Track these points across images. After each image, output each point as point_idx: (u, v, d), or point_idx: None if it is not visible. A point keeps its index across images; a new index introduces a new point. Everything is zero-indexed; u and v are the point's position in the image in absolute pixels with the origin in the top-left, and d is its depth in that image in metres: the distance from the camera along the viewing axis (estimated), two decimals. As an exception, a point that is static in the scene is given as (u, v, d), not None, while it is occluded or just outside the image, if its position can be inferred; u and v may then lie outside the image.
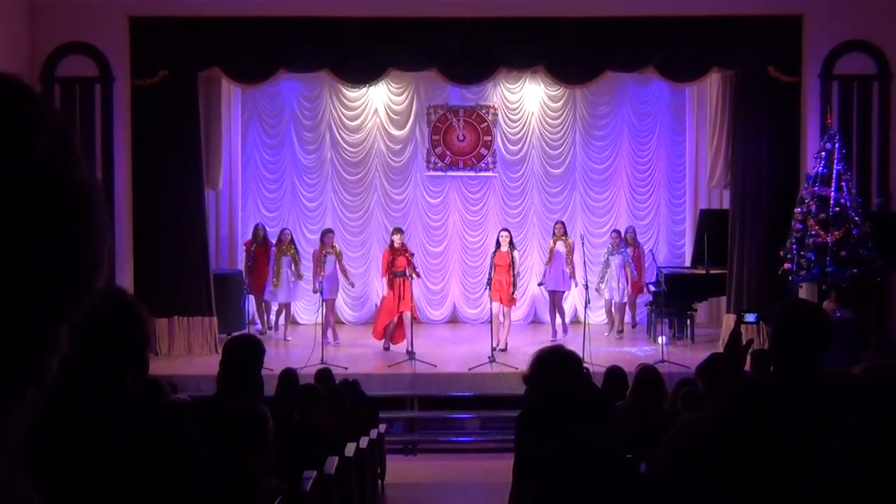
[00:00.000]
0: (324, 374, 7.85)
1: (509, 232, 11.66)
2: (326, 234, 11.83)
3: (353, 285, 12.53)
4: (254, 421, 3.14)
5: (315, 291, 11.82)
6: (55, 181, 0.77)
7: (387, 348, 11.45)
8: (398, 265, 11.16)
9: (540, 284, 12.42)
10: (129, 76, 11.19)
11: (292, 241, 12.30)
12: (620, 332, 12.42)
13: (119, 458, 2.00)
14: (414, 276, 11.35)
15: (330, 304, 11.91)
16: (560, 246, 12.03)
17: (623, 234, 12.54)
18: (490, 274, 11.26)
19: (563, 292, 12.26)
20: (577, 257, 12.03)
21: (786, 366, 2.97)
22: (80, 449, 1.98)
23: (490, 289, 11.22)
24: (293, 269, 12.15)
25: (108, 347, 2.07)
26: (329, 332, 11.69)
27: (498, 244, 11.51)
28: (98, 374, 2.07)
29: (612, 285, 12.19)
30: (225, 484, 2.55)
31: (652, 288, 12.27)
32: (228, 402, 3.43)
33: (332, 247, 11.74)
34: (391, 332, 11.48)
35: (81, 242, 0.78)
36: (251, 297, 12.26)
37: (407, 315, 11.15)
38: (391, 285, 11.22)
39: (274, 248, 12.19)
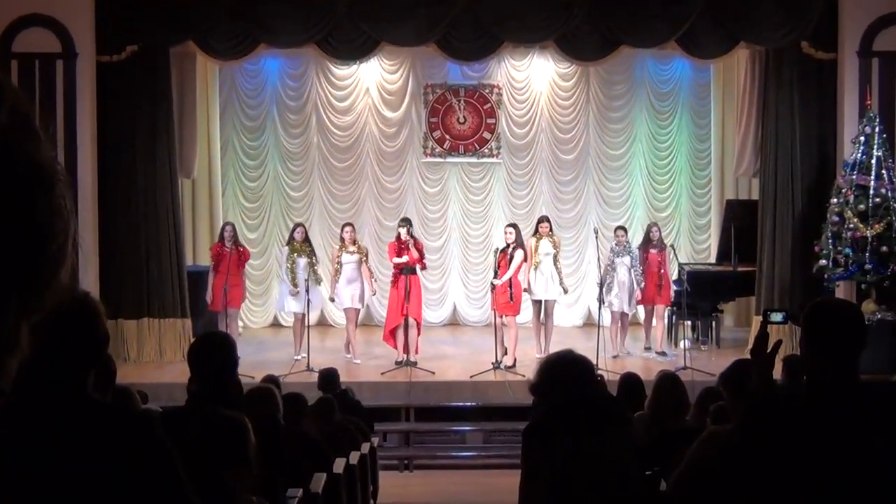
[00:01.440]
0: (328, 378, 7.85)
1: (514, 228, 11.11)
2: (344, 229, 11.38)
3: (374, 293, 11.74)
4: (233, 432, 3.15)
5: (331, 299, 11.51)
6: (15, 162, 0.76)
7: (402, 362, 10.83)
8: (406, 260, 10.93)
9: (526, 291, 11.39)
10: (93, 52, 11.18)
11: (307, 240, 11.49)
12: (617, 354, 11.39)
13: (83, 470, 2.00)
14: (420, 268, 11.28)
15: (350, 316, 11.32)
16: (546, 245, 11.27)
17: (647, 232, 11.78)
18: (496, 275, 10.86)
19: (555, 301, 11.58)
20: (590, 254, 11.95)
21: (816, 373, 2.97)
22: (41, 460, 1.99)
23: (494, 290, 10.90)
24: (310, 272, 11.17)
25: (64, 347, 2.08)
26: (350, 348, 11.28)
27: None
28: (57, 376, 2.08)
29: (622, 296, 11.30)
30: (201, 502, 2.56)
31: (675, 288, 11.77)
32: (202, 412, 3.43)
33: (354, 244, 11.26)
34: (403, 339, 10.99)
35: (44, 230, 0.77)
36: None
37: (412, 322, 11.02)
38: (396, 283, 11.04)
39: (286, 248, 11.43)
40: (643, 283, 11.38)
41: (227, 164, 14.03)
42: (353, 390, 8.48)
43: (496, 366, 10.70)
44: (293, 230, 11.49)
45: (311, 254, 11.31)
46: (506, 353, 10.86)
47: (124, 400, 4.50)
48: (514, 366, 10.79)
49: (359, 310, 11.53)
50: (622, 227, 11.82)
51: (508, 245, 10.92)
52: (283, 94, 14.09)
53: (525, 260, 10.97)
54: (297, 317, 11.23)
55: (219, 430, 3.16)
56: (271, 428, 4.34)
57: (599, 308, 10.91)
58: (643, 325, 12.01)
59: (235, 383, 3.81)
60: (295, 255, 11.15)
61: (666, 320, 11.98)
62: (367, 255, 11.38)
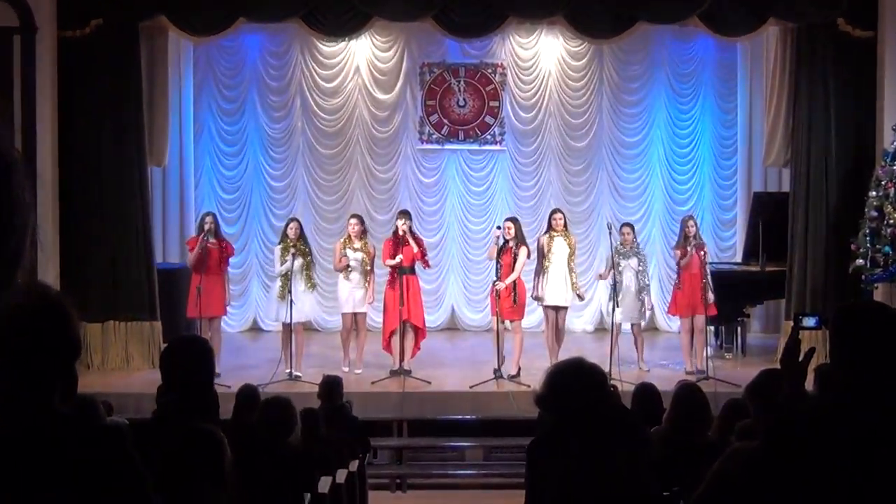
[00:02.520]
0: (330, 387, 7.81)
1: (513, 223, 11.00)
2: (350, 221, 11.24)
3: (371, 301, 11.36)
4: (206, 448, 3.15)
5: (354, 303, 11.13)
6: None
7: (396, 371, 10.84)
8: (403, 259, 10.87)
9: (536, 299, 11.28)
10: (55, 26, 11.18)
11: (303, 237, 11.17)
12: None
13: (45, 489, 2.01)
14: (423, 265, 11.23)
15: (347, 322, 11.16)
16: (560, 245, 11.08)
17: (682, 227, 11.11)
18: (498, 275, 10.76)
19: (567, 309, 11.33)
20: (602, 253, 11.82)
21: (848, 384, 2.97)
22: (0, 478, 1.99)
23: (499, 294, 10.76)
24: (305, 275, 10.96)
25: (30, 356, 2.08)
26: (346, 358, 11.09)
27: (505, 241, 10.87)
28: (20, 388, 2.08)
29: (628, 305, 11.00)
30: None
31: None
32: (174, 426, 3.43)
33: (361, 240, 11.09)
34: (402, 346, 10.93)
35: (1, 224, 0.77)
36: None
37: (409, 327, 10.99)
38: (392, 283, 10.97)
39: (278, 248, 11.13)
40: (647, 286, 11.12)
41: (201, 151, 14.02)
42: (351, 402, 8.46)
43: (498, 375, 10.69)
44: (286, 226, 11.17)
45: (308, 254, 11.07)
46: (502, 362, 10.80)
47: (88, 411, 4.50)
48: (518, 375, 10.80)
49: (357, 315, 11.19)
50: (628, 224, 11.49)
51: (508, 242, 10.79)
52: (265, 74, 14.08)
53: (528, 257, 10.94)
54: (286, 326, 10.86)
55: (192, 444, 3.16)
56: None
57: (612, 311, 10.87)
58: (681, 342, 11.41)
59: (211, 394, 3.80)
60: (288, 254, 10.81)
61: (709, 336, 11.35)
62: (371, 257, 11.10)
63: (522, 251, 10.85)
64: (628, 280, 10.98)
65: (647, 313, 11.45)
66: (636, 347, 11.32)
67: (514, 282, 10.79)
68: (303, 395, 8.26)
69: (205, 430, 3.21)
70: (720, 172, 14.32)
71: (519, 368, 10.87)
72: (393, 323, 10.96)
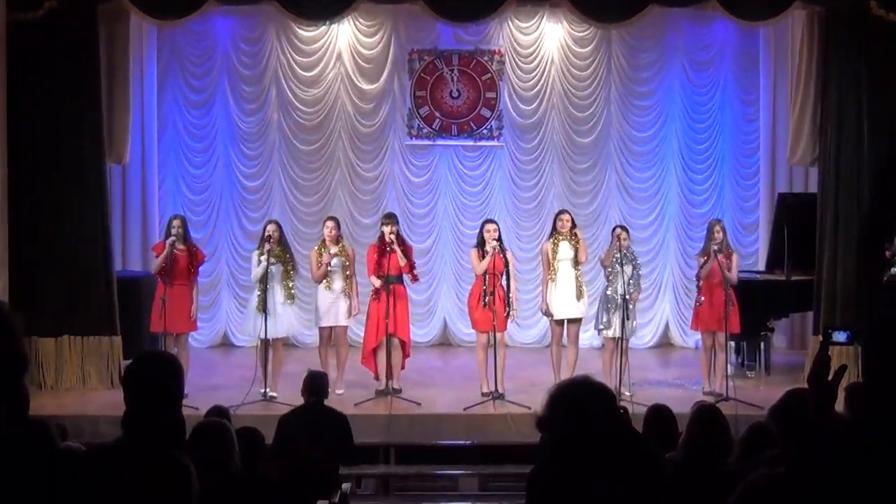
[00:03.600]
0: (316, 382, 7.92)
1: (497, 225, 11.04)
2: (325, 224, 11.20)
3: (356, 312, 11.31)
4: (173, 477, 3.15)
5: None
6: None
7: (382, 391, 10.85)
8: (390, 267, 10.84)
9: (546, 315, 11.24)
10: (4, 7, 11.16)
11: (283, 241, 11.09)
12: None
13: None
14: (411, 279, 11.22)
15: (327, 336, 11.15)
16: (566, 249, 11.08)
17: (709, 232, 10.94)
18: (487, 287, 10.75)
19: (580, 320, 11.27)
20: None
21: (883, 404, 2.97)
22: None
23: (487, 307, 10.75)
24: (284, 285, 10.94)
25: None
26: (332, 374, 10.65)
27: (481, 242, 10.88)
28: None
29: (619, 314, 10.81)
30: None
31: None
32: (137, 452, 3.43)
33: (338, 244, 11.08)
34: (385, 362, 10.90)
35: None
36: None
37: (396, 342, 10.98)
38: (377, 294, 10.94)
39: (254, 253, 11.05)
40: (633, 302, 10.89)
41: (166, 147, 14.02)
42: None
43: (495, 395, 10.69)
44: (264, 228, 11.07)
45: (289, 261, 11.01)
46: (500, 380, 10.79)
47: (40, 435, 4.49)
48: (501, 396, 10.74)
49: (336, 328, 11.16)
50: (622, 227, 11.29)
51: (493, 247, 10.72)
52: (237, 62, 14.09)
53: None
54: (263, 342, 10.77)
55: (156, 473, 3.16)
56: (223, 474, 4.34)
57: (623, 326, 10.82)
58: (701, 360, 11.28)
59: (178, 418, 3.79)
60: (265, 261, 10.69)
61: (729, 353, 11.23)
62: (352, 261, 11.17)
63: (510, 256, 11.03)
64: (621, 289, 10.78)
65: (634, 326, 11.12)
66: (610, 368, 10.87)
67: (508, 288, 10.81)
68: (270, 419, 8.27)
69: (171, 458, 3.21)
70: (741, 171, 14.35)
71: (502, 388, 10.79)
72: (376, 337, 10.95)
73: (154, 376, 3.61)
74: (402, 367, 11.28)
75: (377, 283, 10.87)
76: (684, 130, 14.29)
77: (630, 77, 14.24)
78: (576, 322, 11.18)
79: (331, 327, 11.15)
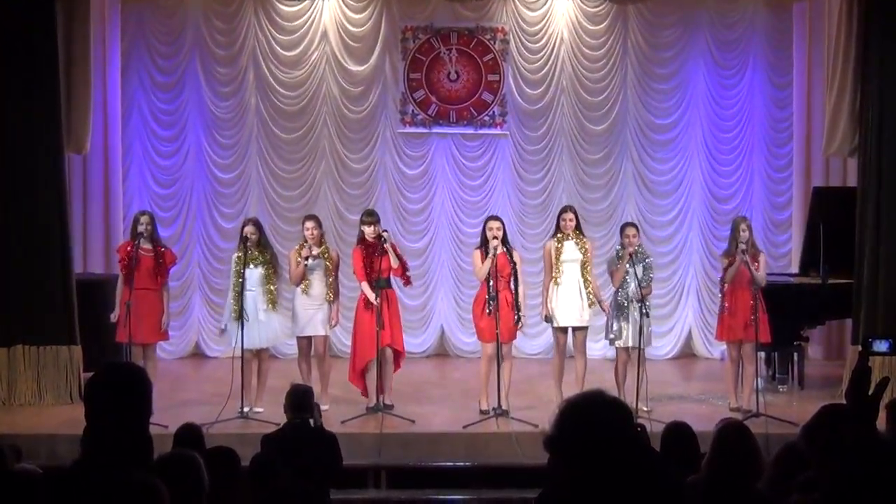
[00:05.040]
0: (300, 397, 7.86)
1: (501, 223, 10.94)
2: (305, 223, 11.12)
3: (335, 323, 11.29)
4: (138, 501, 3.15)
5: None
6: None
7: (373, 408, 10.74)
8: (381, 270, 10.78)
9: (548, 321, 11.21)
10: (-50, -20, 11.19)
11: (263, 241, 11.09)
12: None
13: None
14: (404, 282, 11.16)
15: (305, 346, 11.13)
16: (571, 250, 11.02)
17: (734, 230, 10.93)
18: (491, 292, 10.67)
19: (587, 329, 11.20)
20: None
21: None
22: None
23: (492, 313, 10.64)
24: (265, 290, 10.92)
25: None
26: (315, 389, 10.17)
27: (484, 243, 10.80)
28: None
29: (634, 318, 10.77)
30: None
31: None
32: (99, 474, 3.43)
33: (320, 247, 11.02)
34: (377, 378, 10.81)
35: None
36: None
37: (389, 353, 10.95)
38: (367, 302, 10.82)
39: (235, 256, 11.02)
40: (647, 307, 10.79)
41: (130, 135, 14.04)
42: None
43: (497, 412, 10.68)
44: (243, 228, 11.04)
45: (269, 263, 10.99)
46: (505, 396, 10.76)
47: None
48: (506, 413, 10.69)
49: (316, 338, 11.12)
50: (632, 224, 11.27)
51: (495, 248, 10.68)
52: (209, 40, 14.11)
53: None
54: (243, 353, 10.61)
55: (121, 498, 3.16)
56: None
57: (640, 332, 10.82)
58: (727, 373, 11.29)
59: (144, 436, 3.79)
60: (243, 264, 10.69)
61: (759, 365, 11.19)
62: (335, 265, 11.11)
63: (517, 255, 10.95)
64: (632, 294, 10.78)
65: (649, 334, 11.06)
66: (622, 380, 10.86)
67: (517, 294, 10.79)
68: (257, 439, 8.24)
69: (143, 483, 3.21)
70: (772, 163, 14.38)
71: (507, 403, 10.77)
72: (369, 352, 10.82)
73: (118, 390, 3.61)
74: (396, 370, 11.25)
75: (371, 295, 10.74)
76: (709, 117, 14.31)
77: (648, 57, 14.26)
78: (582, 330, 11.13)
79: (309, 337, 11.14)
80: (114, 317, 10.71)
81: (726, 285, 10.93)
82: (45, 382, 11.44)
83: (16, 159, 11.38)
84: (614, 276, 10.95)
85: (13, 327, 11.38)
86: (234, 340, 10.73)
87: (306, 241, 11.02)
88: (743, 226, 10.92)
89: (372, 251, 10.86)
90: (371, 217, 11.05)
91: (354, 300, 11.23)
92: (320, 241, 11.07)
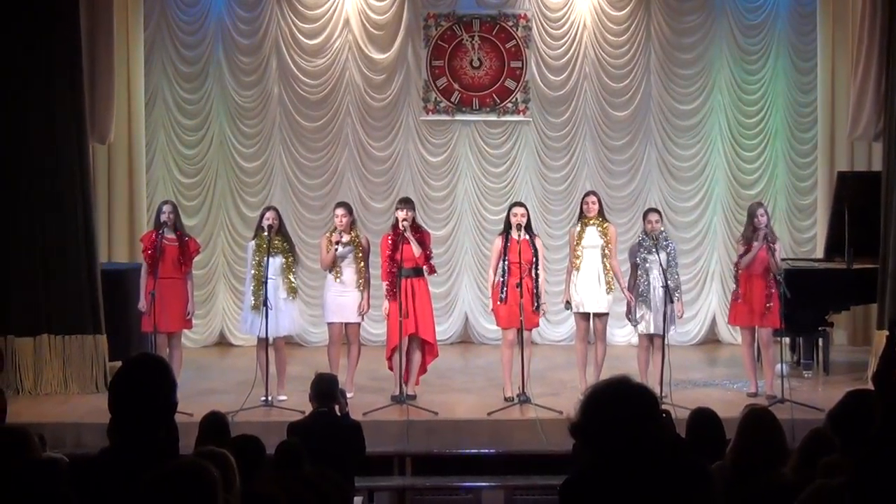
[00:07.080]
0: (325, 384, 7.82)
1: (526, 209, 10.95)
2: (335, 210, 11.08)
3: (366, 311, 11.22)
4: (195, 491, 3.15)
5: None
6: None
7: (396, 397, 10.74)
8: (404, 258, 10.76)
9: (567, 307, 11.22)
10: (-28, -30, 11.22)
11: (283, 231, 11.07)
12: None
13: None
14: (427, 270, 11.05)
15: (336, 333, 11.08)
16: (592, 236, 11.01)
17: (750, 216, 10.85)
18: (503, 277, 10.74)
19: (607, 316, 11.25)
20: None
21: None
22: None
23: (504, 302, 10.74)
24: (286, 279, 10.91)
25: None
26: (342, 376, 10.15)
27: (507, 228, 10.85)
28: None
29: (656, 305, 10.70)
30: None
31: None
32: (125, 464, 3.44)
33: (350, 233, 10.98)
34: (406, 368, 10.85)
35: None
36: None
37: (416, 342, 10.94)
38: (392, 292, 10.78)
39: (251, 243, 11.04)
40: (678, 293, 10.78)
41: (154, 125, 14.05)
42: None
43: (522, 399, 10.67)
44: (262, 216, 11.03)
45: (289, 251, 10.98)
46: (527, 382, 10.75)
47: (18, 445, 4.52)
48: (527, 401, 10.68)
49: (348, 325, 11.09)
50: (655, 210, 11.20)
51: (518, 233, 10.71)
52: (232, 29, 14.11)
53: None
54: (262, 342, 10.75)
55: (177, 483, 3.17)
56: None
57: (664, 321, 10.79)
58: (744, 358, 11.18)
59: (169, 427, 3.81)
60: (262, 253, 10.71)
61: (775, 349, 11.02)
62: (366, 252, 11.09)
63: (539, 242, 10.94)
64: (654, 280, 10.74)
65: (675, 321, 11.04)
66: (656, 367, 10.66)
67: (537, 281, 10.78)
68: (282, 427, 8.25)
69: (194, 465, 3.21)
70: (796, 148, 14.31)
71: (526, 391, 10.75)
72: (392, 340, 10.84)
73: (143, 383, 3.63)
74: (424, 371, 11.24)
75: (389, 284, 10.76)
76: (732, 102, 14.25)
77: (672, 43, 14.21)
78: (602, 317, 11.12)
79: (341, 324, 11.15)
80: (142, 306, 10.72)
81: (741, 271, 10.88)
82: (71, 371, 11.47)
83: (40, 149, 11.39)
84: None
85: (39, 317, 11.42)
86: (255, 329, 10.72)
87: (336, 228, 11.03)
88: (760, 211, 10.84)
89: (398, 239, 10.86)
90: (404, 204, 11.00)
91: (382, 288, 11.17)
92: (350, 228, 11.06)
